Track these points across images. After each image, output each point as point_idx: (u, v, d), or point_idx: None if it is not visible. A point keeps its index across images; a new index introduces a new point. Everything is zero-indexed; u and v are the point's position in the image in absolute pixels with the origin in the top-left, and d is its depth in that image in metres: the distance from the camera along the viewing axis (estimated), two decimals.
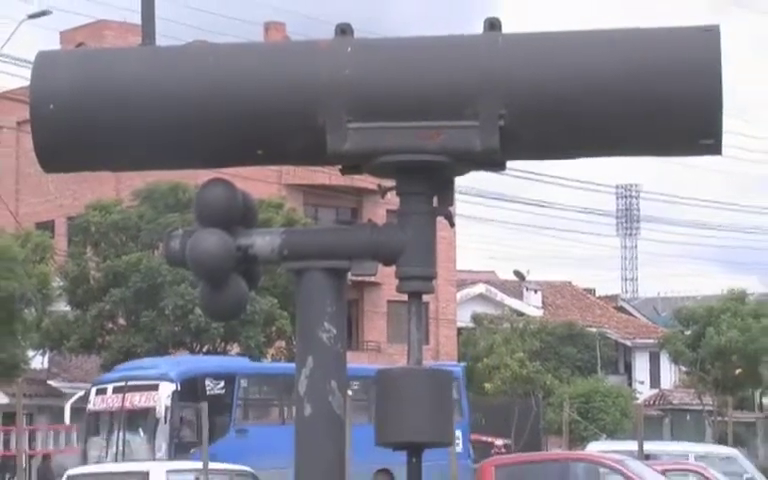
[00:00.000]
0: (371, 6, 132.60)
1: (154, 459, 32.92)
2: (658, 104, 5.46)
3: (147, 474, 22.07)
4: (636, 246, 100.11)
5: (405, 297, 5.81)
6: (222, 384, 37.18)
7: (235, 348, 44.08)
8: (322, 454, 5.76)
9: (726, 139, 5.54)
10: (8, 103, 47.36)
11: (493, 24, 5.67)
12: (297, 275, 5.79)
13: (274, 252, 5.85)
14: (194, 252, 5.80)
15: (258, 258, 5.88)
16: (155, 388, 35.54)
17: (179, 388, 35.58)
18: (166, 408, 34.98)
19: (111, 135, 5.86)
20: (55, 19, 55.27)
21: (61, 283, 43.84)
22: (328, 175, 49.97)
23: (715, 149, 5.53)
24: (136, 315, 42.15)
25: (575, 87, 5.52)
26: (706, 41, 5.50)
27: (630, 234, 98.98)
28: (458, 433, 38.83)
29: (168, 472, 22.43)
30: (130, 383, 35.75)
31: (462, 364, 46.86)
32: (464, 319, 70.96)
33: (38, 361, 47.36)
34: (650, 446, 31.00)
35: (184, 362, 39.46)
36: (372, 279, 50.37)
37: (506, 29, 5.65)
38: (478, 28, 5.67)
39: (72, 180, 42.86)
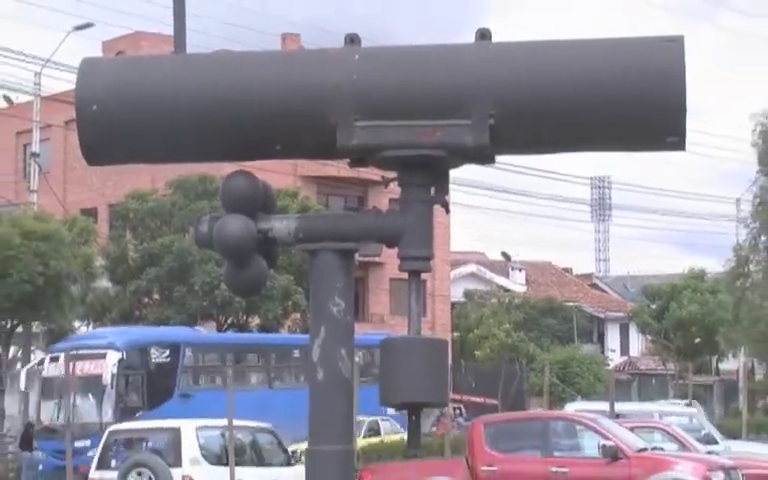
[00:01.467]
0: (375, 19, 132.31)
1: (101, 422, 32.74)
2: (629, 106, 5.44)
3: (179, 430, 21.98)
4: (608, 231, 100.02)
5: (406, 275, 5.80)
6: (167, 353, 36.66)
7: (255, 320, 44.06)
8: (333, 414, 5.76)
9: (688, 137, 5.54)
10: (57, 104, 47.25)
11: (484, 34, 5.66)
12: (311, 255, 5.78)
13: (291, 235, 5.85)
14: (220, 235, 5.79)
15: (276, 240, 5.88)
16: (102, 356, 34.90)
17: (125, 356, 34.96)
18: (112, 375, 34.36)
19: (147, 132, 5.84)
20: (98, 31, 55.26)
21: (103, 263, 43.83)
22: (337, 168, 49.93)
23: (679, 146, 5.53)
24: (169, 291, 42.17)
25: (556, 90, 5.50)
26: (672, 50, 5.47)
27: (603, 220, 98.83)
28: None
29: (197, 428, 22.36)
30: (81, 352, 34.85)
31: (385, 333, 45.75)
32: (457, 295, 71.01)
33: (83, 331, 47.37)
34: (620, 406, 30.98)
35: (130, 332, 38.52)
36: (376, 259, 50.49)
37: (495, 38, 5.64)
38: (470, 37, 5.67)
39: (113, 172, 42.77)
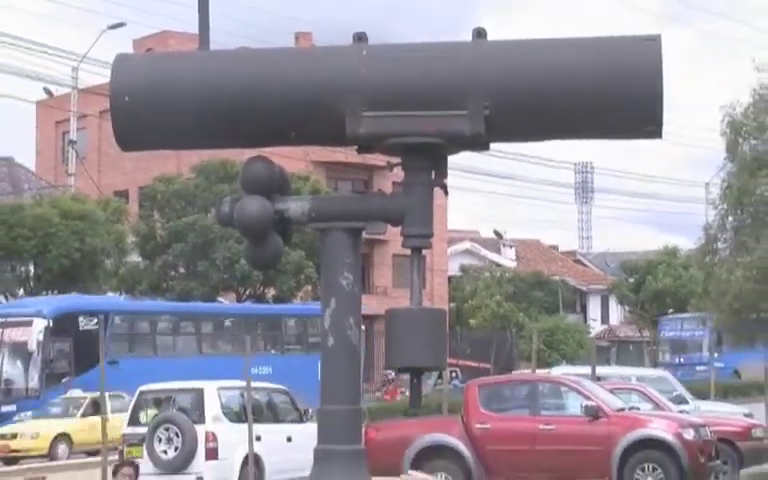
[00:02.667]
0: (380, 17, 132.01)
1: (27, 388, 32.04)
2: (611, 97, 5.43)
3: (202, 390, 21.98)
4: (590, 212, 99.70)
5: (407, 251, 5.79)
6: (95, 320, 34.14)
7: (271, 291, 44.06)
8: (342, 377, 5.75)
9: (664, 126, 5.52)
10: (92, 96, 47.22)
11: (479, 33, 5.65)
12: (322, 233, 5.77)
13: (304, 215, 5.83)
14: (241, 214, 5.79)
15: (291, 219, 5.87)
16: (29, 324, 33.92)
17: (51, 324, 33.87)
18: (38, 342, 33.43)
19: (174, 121, 5.83)
20: (129, 30, 55.17)
21: (133, 239, 43.85)
22: (345, 154, 49.79)
23: (657, 134, 5.52)
24: (193, 265, 42.16)
25: (545, 84, 5.48)
26: (650, 48, 5.46)
27: (585, 202, 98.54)
28: None
29: (219, 389, 22.35)
30: (9, 319, 34.22)
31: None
32: (453, 269, 70.99)
33: None
34: (600, 370, 30.96)
35: (58, 300, 36.65)
36: (380, 236, 50.02)
37: (490, 36, 5.63)
38: (467, 35, 5.65)
39: (143, 157, 42.64)
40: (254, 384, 22.41)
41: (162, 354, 37.42)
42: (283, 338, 41.96)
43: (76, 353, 34.27)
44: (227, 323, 40.91)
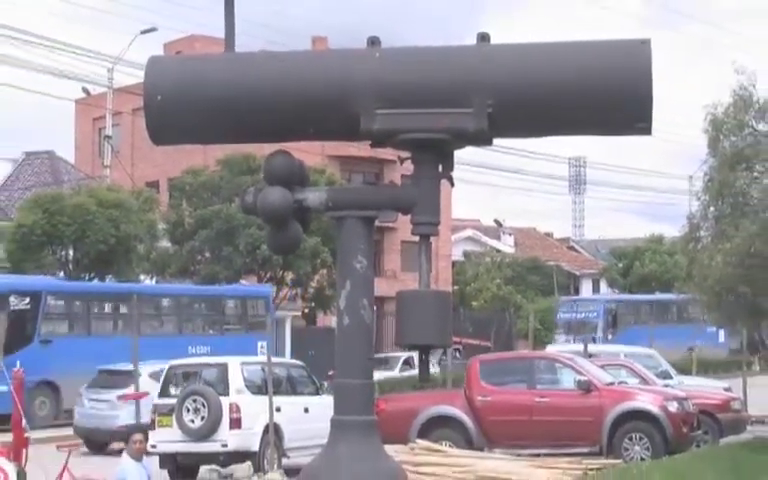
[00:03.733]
0: (391, 22, 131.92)
1: None
2: (605, 97, 5.41)
3: (227, 365, 21.99)
4: (583, 202, 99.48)
5: (415, 238, 5.78)
6: (27, 300, 33.28)
7: (290, 274, 43.99)
8: (356, 353, 5.74)
9: (655, 123, 5.50)
10: (126, 96, 47.28)
11: (483, 37, 5.63)
12: (338, 221, 5.77)
13: (322, 204, 5.83)
14: (263, 203, 5.78)
15: (310, 208, 5.86)
16: None
17: None
18: None
19: (202, 119, 5.83)
20: (160, 34, 55.02)
21: (164, 226, 43.85)
22: (358, 148, 49.79)
23: (647, 131, 5.50)
24: (218, 250, 42.18)
25: (544, 84, 5.47)
26: (641, 51, 5.44)
27: (579, 193, 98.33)
28: (264, 343, 36.22)
29: (242, 363, 22.36)
30: None
31: (271, 287, 43.32)
32: (457, 254, 71.00)
33: (148, 283, 47.49)
34: (592, 348, 31.00)
35: None
36: (390, 224, 49.86)
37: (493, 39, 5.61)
38: (472, 39, 5.63)
39: (172, 151, 42.64)
40: (274, 360, 22.44)
41: (97, 334, 35.63)
42: (222, 319, 40.16)
43: (8, 332, 31.62)
44: (165, 304, 38.97)
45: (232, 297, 40.67)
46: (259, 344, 36.37)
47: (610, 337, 48.46)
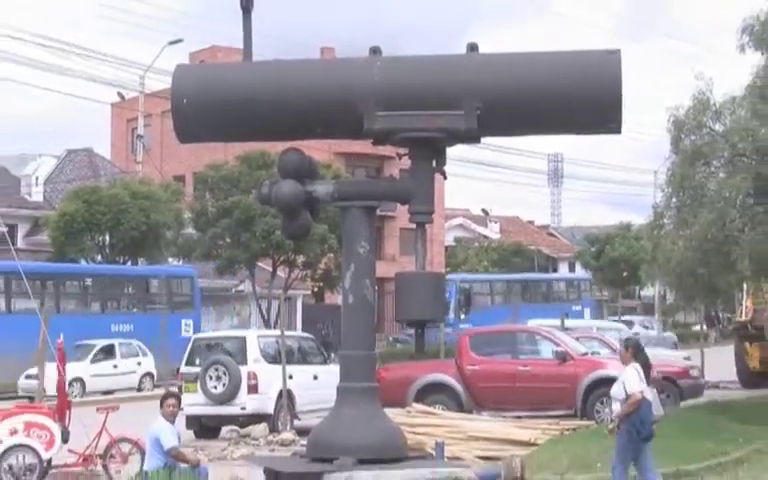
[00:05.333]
0: (389, 33, 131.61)
1: None
2: (580, 100, 5.41)
3: (245, 338, 21.98)
4: (561, 193, 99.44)
5: (413, 225, 5.78)
6: None
7: (300, 258, 43.83)
8: (360, 328, 5.74)
9: (624, 124, 5.49)
10: (156, 99, 47.23)
11: (472, 47, 5.64)
12: (343, 210, 5.77)
13: (329, 195, 5.84)
14: (277, 194, 5.79)
15: (319, 199, 5.87)
16: None
17: None
18: None
19: (224, 120, 5.83)
20: (186, 45, 55.07)
21: (189, 215, 43.78)
22: (361, 146, 49.72)
23: (617, 130, 5.51)
24: (237, 236, 42.08)
25: (527, 89, 5.47)
26: (612, 60, 5.45)
27: (557, 186, 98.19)
28: (189, 321, 35.58)
29: (258, 336, 22.35)
30: None
31: (193, 269, 41.18)
32: (449, 240, 70.96)
33: (175, 264, 47.48)
34: (568, 322, 30.96)
35: None
36: (390, 213, 49.53)
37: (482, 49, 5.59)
38: (462, 48, 5.62)
39: (196, 148, 42.62)
40: (286, 333, 22.44)
41: (17, 312, 32.42)
42: (146, 298, 37.55)
43: None
44: (89, 283, 36.12)
45: (156, 277, 38.27)
46: (183, 322, 35.00)
47: (462, 317, 44.26)
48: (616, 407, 12.35)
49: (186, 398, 20.34)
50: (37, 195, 49.82)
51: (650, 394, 12.45)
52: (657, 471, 12.30)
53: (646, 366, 12.47)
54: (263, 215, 39.59)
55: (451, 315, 45.11)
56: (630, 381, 12.03)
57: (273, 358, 21.34)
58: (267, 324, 41.56)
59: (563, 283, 58.25)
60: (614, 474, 12.07)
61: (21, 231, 47.67)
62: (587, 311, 51.04)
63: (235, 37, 6.01)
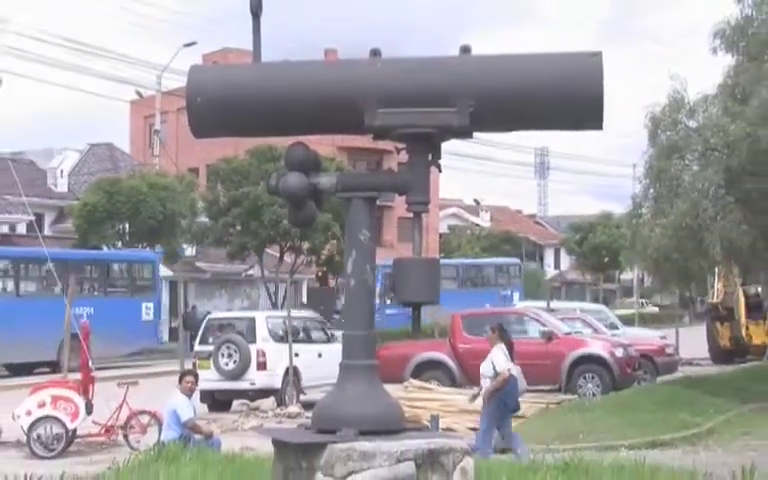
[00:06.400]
0: (389, 36, 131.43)
1: None
2: (565, 98, 5.40)
3: (254, 318, 21.98)
4: (547, 185, 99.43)
5: (410, 214, 5.77)
6: None
7: (306, 244, 43.82)
8: (360, 310, 5.74)
9: (605, 119, 5.48)
10: (172, 98, 47.13)
11: (465, 48, 5.62)
12: (346, 201, 5.76)
13: (333, 186, 5.82)
14: (284, 186, 5.77)
15: (323, 190, 5.85)
16: None
17: None
18: None
19: (235, 116, 5.81)
20: (200, 47, 54.89)
21: (202, 205, 43.74)
22: (362, 140, 49.64)
23: (599, 126, 5.50)
24: (247, 224, 42.04)
25: (516, 88, 5.46)
26: (594, 61, 5.44)
27: (543, 178, 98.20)
28: (150, 305, 33.96)
29: (267, 317, 22.34)
30: None
31: (160, 252, 38.59)
32: (443, 228, 70.96)
33: (189, 251, 47.45)
34: (553, 304, 30.99)
35: None
36: (389, 203, 49.38)
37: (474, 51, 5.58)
38: (456, 50, 5.60)
39: (209, 143, 42.55)
40: (293, 313, 22.45)
41: None
42: (107, 282, 34.53)
43: None
44: (48, 267, 31.96)
45: (117, 261, 35.96)
46: (144, 306, 33.43)
47: (388, 302, 40.80)
48: (486, 383, 12.95)
49: (200, 374, 20.36)
50: (62, 186, 49.80)
51: (516, 371, 13.27)
52: (517, 436, 13.11)
53: (510, 346, 13.29)
54: (271, 205, 39.56)
55: (377, 300, 41.42)
56: (498, 360, 12.74)
57: (280, 337, 21.35)
58: (275, 306, 41.53)
59: (492, 268, 54.41)
60: (482, 438, 12.55)
61: (48, 220, 47.67)
62: (516, 296, 48.33)
63: (245, 40, 5.99)
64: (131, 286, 34.59)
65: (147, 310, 33.46)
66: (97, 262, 35.14)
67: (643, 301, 49.12)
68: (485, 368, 13.13)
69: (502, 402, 12.71)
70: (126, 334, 31.75)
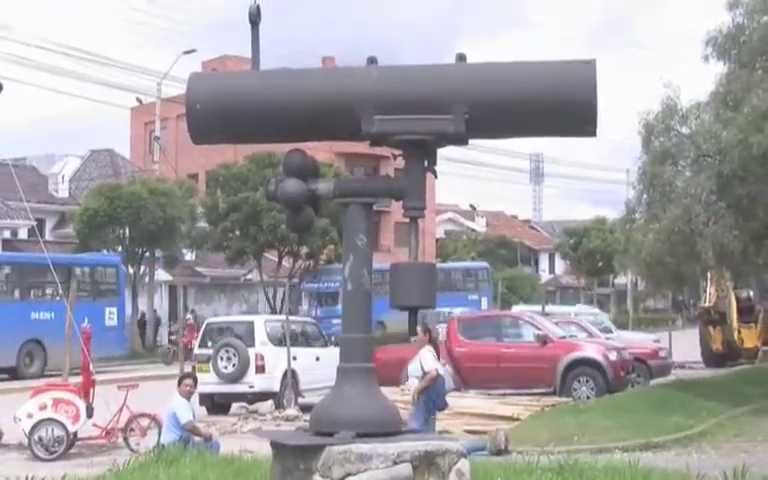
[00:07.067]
0: (385, 44, 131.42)
1: None
2: (559, 105, 5.41)
3: (253, 322, 21.96)
4: (542, 190, 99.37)
5: (406, 220, 5.78)
6: None
7: (304, 249, 43.78)
8: (358, 314, 5.74)
9: (598, 126, 5.49)
10: (172, 104, 47.14)
11: (461, 56, 5.63)
12: (344, 206, 5.77)
13: (330, 192, 5.83)
14: (282, 191, 5.78)
15: (320, 196, 5.86)
16: None
17: None
18: None
19: (234, 123, 5.82)
20: (199, 54, 54.96)
21: (202, 210, 43.75)
22: (359, 147, 49.60)
23: (593, 133, 5.51)
24: (246, 229, 42.06)
25: (510, 95, 5.46)
26: (587, 68, 5.45)
27: (538, 183, 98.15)
28: (113, 309, 32.64)
29: (265, 321, 22.33)
30: None
31: (118, 257, 36.87)
32: (439, 233, 70.98)
33: (189, 256, 47.40)
34: (548, 308, 31.01)
35: None
36: (386, 208, 49.21)
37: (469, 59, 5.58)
38: (451, 58, 5.61)
39: (208, 149, 42.60)
40: (290, 318, 22.43)
41: None
42: (68, 286, 32.30)
43: None
44: (6, 271, 32.08)
45: (80, 265, 33.84)
46: (107, 310, 32.15)
47: None
48: (413, 382, 13.12)
49: (199, 377, 20.34)
50: (63, 192, 49.81)
51: (443, 371, 13.46)
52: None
53: (437, 346, 13.48)
54: (269, 210, 39.54)
55: (340, 306, 39.57)
56: (427, 361, 12.83)
57: (279, 341, 21.33)
58: (273, 310, 41.48)
59: (460, 273, 52.65)
60: None
61: (49, 225, 47.67)
62: (485, 300, 47.46)
63: (244, 48, 5.99)
64: (93, 291, 33.08)
65: (110, 315, 32.04)
66: (58, 266, 31.85)
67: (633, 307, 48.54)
68: (412, 368, 13.32)
69: (430, 400, 12.87)
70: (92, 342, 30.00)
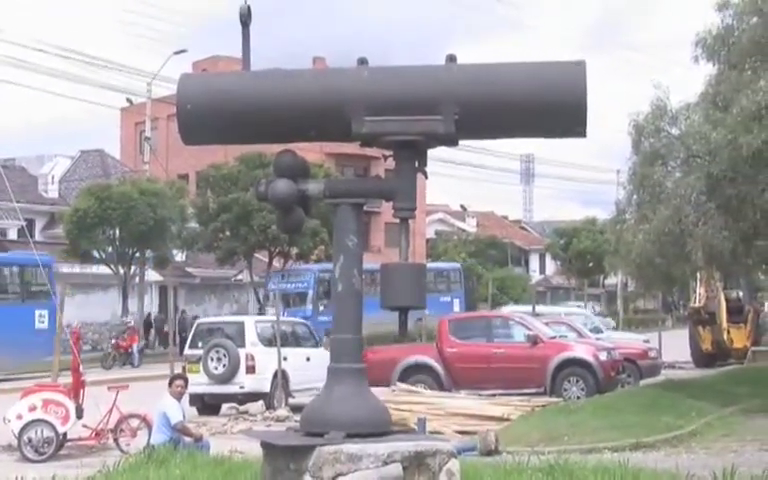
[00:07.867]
0: (376, 45, 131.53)
1: None
2: (549, 106, 5.42)
3: (243, 323, 21.95)
4: (532, 190, 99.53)
5: (397, 220, 5.78)
6: None
7: (294, 250, 43.79)
8: (348, 314, 5.75)
9: (588, 127, 5.50)
10: (162, 105, 47.06)
11: (451, 57, 5.64)
12: (334, 207, 5.77)
13: (320, 193, 5.83)
14: (273, 192, 5.78)
15: (311, 196, 5.86)
16: None
17: None
18: None
19: (224, 123, 5.81)
20: (190, 55, 54.82)
21: (192, 211, 43.72)
22: (350, 147, 49.61)
23: (582, 133, 5.52)
24: (236, 230, 42.07)
25: (500, 96, 5.48)
26: (577, 70, 5.46)
27: (528, 183, 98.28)
28: (44, 312, 29.94)
29: (255, 322, 22.32)
30: None
31: (52, 257, 33.95)
32: (430, 233, 71.02)
33: (179, 257, 47.34)
34: (538, 309, 31.03)
35: None
36: (376, 209, 49.34)
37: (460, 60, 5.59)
38: (442, 59, 5.62)
39: (199, 150, 42.51)
40: (282, 319, 22.40)
41: None
42: None
43: None
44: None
45: (7, 265, 31.98)
46: (38, 313, 30.07)
47: (322, 309, 38.13)
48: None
49: (190, 378, 20.30)
50: (53, 192, 49.71)
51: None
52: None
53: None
54: (260, 211, 39.53)
55: (309, 306, 39.39)
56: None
57: (269, 341, 21.32)
58: (263, 310, 41.47)
59: (431, 274, 49.99)
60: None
61: (38, 225, 47.56)
62: (457, 302, 46.17)
63: (235, 48, 5.99)
64: (23, 292, 31.31)
65: (41, 318, 30.01)
66: None
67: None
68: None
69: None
70: (16, 344, 28.05)
